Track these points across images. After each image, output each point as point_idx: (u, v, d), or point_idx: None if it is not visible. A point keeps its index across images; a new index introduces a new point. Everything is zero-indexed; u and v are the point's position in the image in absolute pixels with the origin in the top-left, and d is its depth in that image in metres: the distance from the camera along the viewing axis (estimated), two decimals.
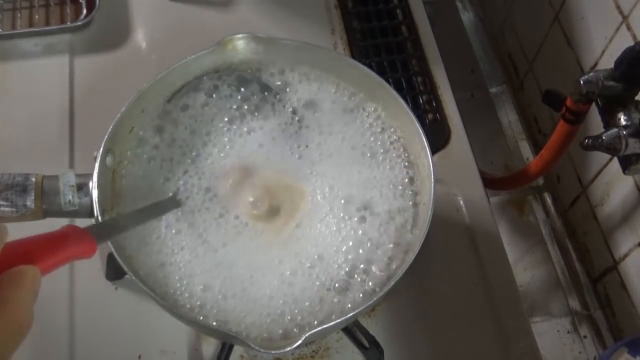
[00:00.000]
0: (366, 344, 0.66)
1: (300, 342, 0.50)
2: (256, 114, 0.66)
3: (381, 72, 0.76)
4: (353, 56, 0.86)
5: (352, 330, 0.67)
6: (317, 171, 0.63)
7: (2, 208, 0.54)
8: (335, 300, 0.57)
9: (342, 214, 0.61)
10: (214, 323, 0.55)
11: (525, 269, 0.92)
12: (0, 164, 0.73)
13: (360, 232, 0.60)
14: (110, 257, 0.68)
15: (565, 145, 0.74)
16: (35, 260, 0.35)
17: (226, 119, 0.66)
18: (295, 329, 0.55)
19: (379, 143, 0.65)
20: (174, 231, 0.59)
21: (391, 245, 0.60)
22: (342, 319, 0.53)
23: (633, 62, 0.60)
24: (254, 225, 0.60)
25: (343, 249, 0.59)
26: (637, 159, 0.62)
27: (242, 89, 0.67)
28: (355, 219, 0.61)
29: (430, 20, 0.91)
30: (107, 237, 0.50)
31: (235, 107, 0.66)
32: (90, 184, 0.56)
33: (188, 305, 0.56)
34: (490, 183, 0.84)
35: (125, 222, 0.54)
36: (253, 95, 0.67)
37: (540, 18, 0.93)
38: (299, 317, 0.56)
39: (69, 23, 0.86)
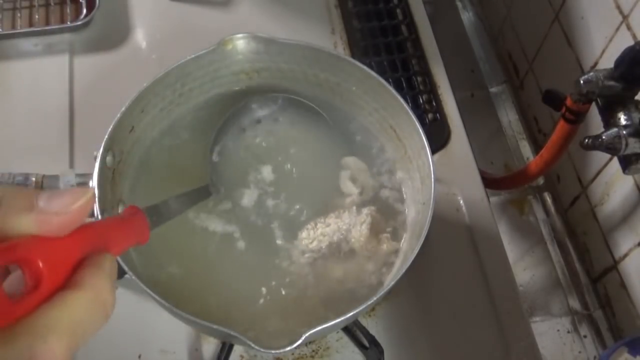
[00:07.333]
0: (366, 343, 0.66)
1: (300, 341, 0.50)
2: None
3: (381, 72, 0.76)
4: (353, 56, 0.86)
5: (352, 329, 0.67)
6: None
7: None
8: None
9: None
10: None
11: (525, 268, 0.92)
12: (0, 164, 0.73)
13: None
14: None
15: (565, 145, 0.74)
16: (109, 247, 0.33)
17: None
18: (295, 328, 0.55)
19: None
20: None
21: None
22: (342, 318, 0.53)
23: (633, 62, 0.60)
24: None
25: None
26: (637, 158, 0.62)
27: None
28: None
29: (430, 20, 0.91)
30: (157, 223, 0.46)
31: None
32: (90, 183, 0.56)
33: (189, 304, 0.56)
34: (490, 183, 0.84)
35: (170, 209, 0.50)
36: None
37: (540, 18, 0.93)
38: (299, 316, 0.56)
39: (69, 23, 0.86)
